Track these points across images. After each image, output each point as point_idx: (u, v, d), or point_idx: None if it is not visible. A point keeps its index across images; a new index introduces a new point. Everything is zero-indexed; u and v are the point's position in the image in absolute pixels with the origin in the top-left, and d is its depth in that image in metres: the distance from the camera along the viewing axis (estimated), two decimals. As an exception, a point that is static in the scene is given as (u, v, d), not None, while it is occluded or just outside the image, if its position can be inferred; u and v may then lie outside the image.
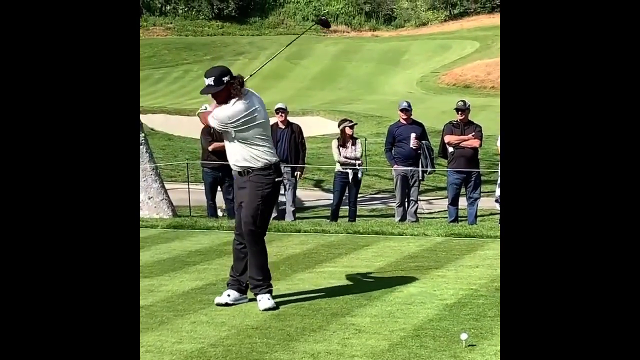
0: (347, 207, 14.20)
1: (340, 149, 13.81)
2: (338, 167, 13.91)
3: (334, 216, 13.91)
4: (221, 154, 13.93)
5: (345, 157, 13.77)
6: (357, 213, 14.53)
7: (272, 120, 14.78)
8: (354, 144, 13.87)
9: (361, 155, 14.19)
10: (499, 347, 5.54)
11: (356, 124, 14.15)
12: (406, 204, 13.83)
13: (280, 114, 14.28)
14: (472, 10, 67.16)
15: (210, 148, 13.89)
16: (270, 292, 6.88)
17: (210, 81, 6.67)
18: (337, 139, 14.02)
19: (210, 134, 14.02)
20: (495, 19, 63.41)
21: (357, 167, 13.88)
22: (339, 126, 14.20)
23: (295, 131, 14.30)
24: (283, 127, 14.26)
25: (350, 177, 13.76)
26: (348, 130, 13.84)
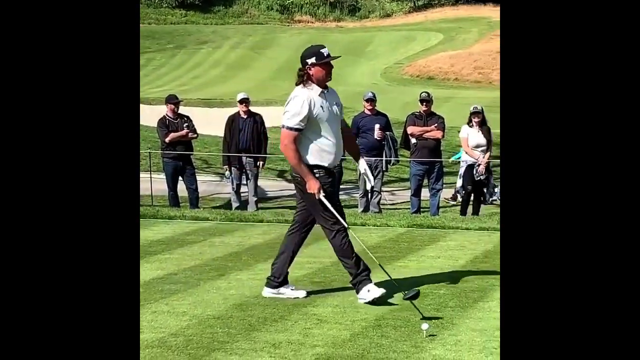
0: None
1: None
2: None
3: None
4: (178, 144, 13.95)
5: None
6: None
7: (235, 110, 14.79)
8: None
9: None
10: (459, 337, 5.59)
11: None
12: (369, 194, 13.86)
13: (243, 104, 14.25)
14: (436, 2, 67.33)
15: (167, 140, 13.85)
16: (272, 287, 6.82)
17: (328, 51, 6.58)
18: None
19: (166, 125, 13.97)
20: (459, 11, 63.73)
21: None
22: None
23: (257, 121, 14.28)
24: (245, 117, 14.23)
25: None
26: None
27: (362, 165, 6.87)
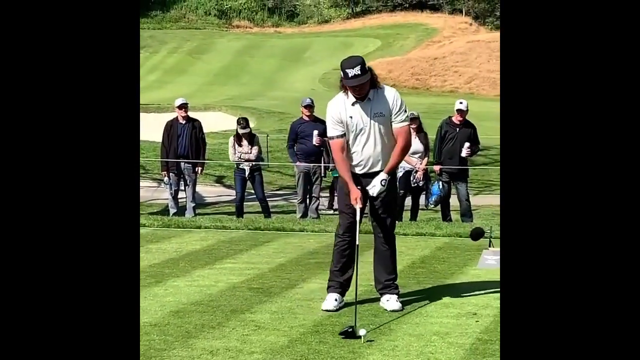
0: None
1: (236, 146, 13.80)
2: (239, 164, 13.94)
3: (239, 212, 13.89)
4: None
5: (240, 157, 13.76)
6: (258, 209, 14.51)
7: (172, 115, 14.70)
8: (250, 142, 13.82)
9: (259, 153, 14.13)
10: (396, 343, 5.62)
11: (247, 125, 14.03)
12: (308, 200, 13.88)
13: (182, 109, 14.17)
14: (374, 8, 67.75)
15: None
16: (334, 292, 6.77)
17: (357, 70, 6.32)
18: (233, 136, 14.00)
19: None
20: (396, 18, 64.17)
21: (253, 164, 13.86)
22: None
23: (196, 127, 14.21)
24: (184, 122, 14.15)
25: (247, 173, 13.75)
26: (239, 130, 13.80)
27: (375, 179, 6.58)
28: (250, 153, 13.79)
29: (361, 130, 6.50)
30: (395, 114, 6.52)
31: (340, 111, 6.49)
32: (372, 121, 6.48)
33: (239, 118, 14.70)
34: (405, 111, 6.61)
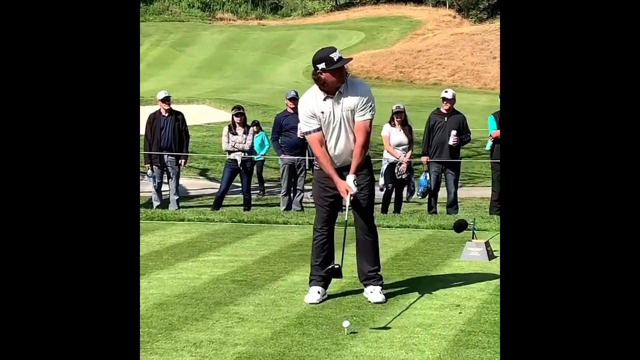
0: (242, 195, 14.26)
1: (230, 135, 13.82)
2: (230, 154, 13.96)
3: (217, 204, 13.86)
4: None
5: (234, 146, 13.78)
6: (238, 203, 14.51)
7: (155, 108, 14.67)
8: (245, 132, 13.87)
9: (252, 144, 14.17)
10: (379, 334, 5.63)
11: (243, 112, 14.11)
12: (292, 193, 13.89)
13: (165, 102, 14.14)
14: (357, 1, 67.77)
15: None
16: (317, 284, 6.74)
17: (339, 53, 6.37)
18: (228, 126, 14.06)
19: None
20: (380, 10, 64.21)
21: (246, 155, 13.87)
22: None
23: (179, 119, 14.19)
24: (166, 115, 14.12)
25: (238, 163, 13.78)
26: (235, 118, 13.87)
27: (347, 181, 6.55)
28: (245, 143, 13.80)
29: (333, 125, 6.48)
30: (360, 108, 6.46)
31: (313, 106, 6.47)
32: (343, 116, 6.47)
33: (235, 106, 14.74)
34: (371, 107, 6.52)
